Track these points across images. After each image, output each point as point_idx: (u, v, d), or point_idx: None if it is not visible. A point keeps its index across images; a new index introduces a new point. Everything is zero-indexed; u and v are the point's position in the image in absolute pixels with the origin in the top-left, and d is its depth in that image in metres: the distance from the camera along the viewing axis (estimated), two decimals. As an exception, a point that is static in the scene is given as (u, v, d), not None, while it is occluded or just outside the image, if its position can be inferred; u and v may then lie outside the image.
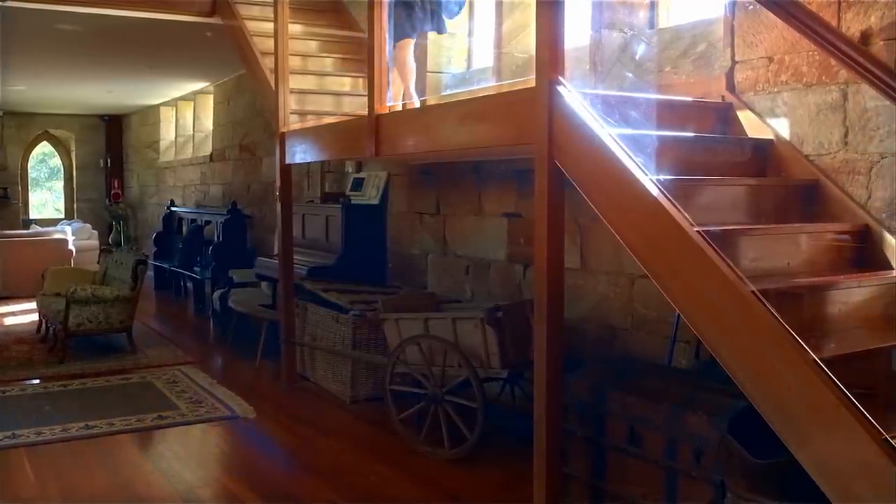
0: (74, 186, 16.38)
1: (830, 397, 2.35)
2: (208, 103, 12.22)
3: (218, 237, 9.69)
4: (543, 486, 3.39)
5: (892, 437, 2.29)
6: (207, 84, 11.69)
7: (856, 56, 2.39)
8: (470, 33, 6.28)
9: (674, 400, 3.36)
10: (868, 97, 3.38)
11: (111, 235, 15.30)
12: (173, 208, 12.01)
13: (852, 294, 3.13)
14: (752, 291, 2.57)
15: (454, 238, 6.07)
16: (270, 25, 6.05)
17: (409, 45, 5.25)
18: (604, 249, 4.63)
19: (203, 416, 5.31)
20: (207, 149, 12.03)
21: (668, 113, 3.78)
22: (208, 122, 12.25)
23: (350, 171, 7.48)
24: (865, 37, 3.41)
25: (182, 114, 13.44)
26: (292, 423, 5.29)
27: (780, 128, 3.75)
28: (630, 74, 4.51)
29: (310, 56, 7.11)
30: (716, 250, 2.68)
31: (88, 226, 13.56)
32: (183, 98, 13.00)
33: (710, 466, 3.08)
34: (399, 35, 5.13)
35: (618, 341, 4.61)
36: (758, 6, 3.59)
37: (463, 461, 4.42)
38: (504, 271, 5.55)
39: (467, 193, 5.89)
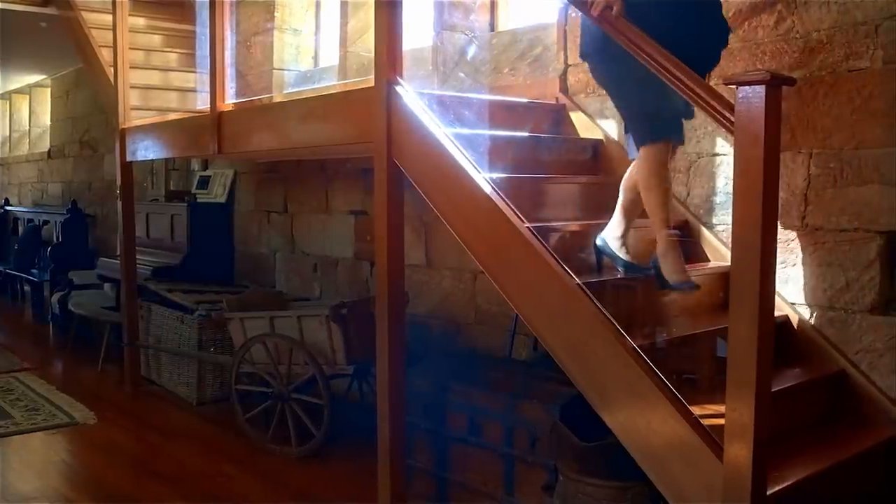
0: None
1: (647, 382, 2.51)
2: (45, 97, 11.65)
3: (57, 238, 9.28)
4: (388, 479, 3.45)
5: (703, 417, 2.49)
6: (44, 77, 11.15)
7: (667, 65, 2.55)
8: (316, 31, 6.28)
9: (511, 390, 3.50)
10: (686, 101, 3.61)
11: (-62, 237, 14.34)
12: (8, 207, 11.38)
13: (676, 285, 3.34)
14: (578, 284, 2.72)
15: (302, 236, 6.06)
16: (110, 17, 5.84)
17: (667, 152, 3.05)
18: (448, 246, 4.74)
19: (40, 424, 5.08)
20: (45, 145, 11.47)
21: (505, 113, 3.92)
22: (46, 117, 11.68)
23: (196, 168, 7.32)
24: (683, 44, 3.64)
25: (17, 107, 12.74)
26: (136, 427, 5.15)
27: (609, 129, 3.95)
28: (470, 76, 4.63)
29: (153, 50, 6.92)
30: (544, 245, 2.80)
31: (-90, 228, 12.68)
32: (17, 91, 12.33)
33: (545, 452, 3.23)
34: (648, 133, 2.97)
35: (462, 335, 4.72)
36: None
37: (311, 458, 4.43)
38: (352, 269, 5.59)
39: (314, 191, 5.89)
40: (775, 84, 2.15)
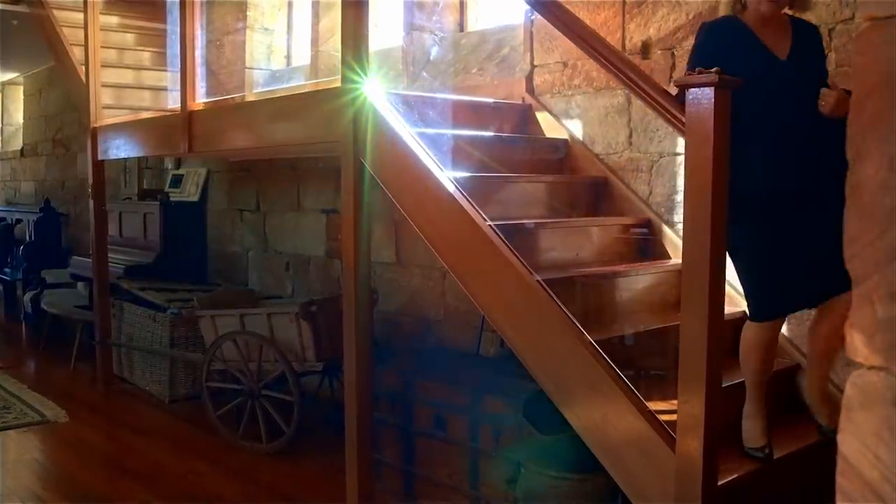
0: None
1: (605, 378, 2.57)
2: (18, 95, 11.57)
3: (30, 236, 9.24)
4: (355, 474, 3.49)
5: (666, 412, 2.55)
6: (17, 75, 11.08)
7: (624, 69, 2.61)
8: (289, 30, 6.30)
9: (477, 386, 3.55)
10: (649, 101, 3.68)
11: None
12: (-20, 206, 11.33)
13: (638, 281, 3.42)
14: (538, 280, 2.77)
15: (274, 234, 6.09)
16: (81, 15, 5.84)
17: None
18: (418, 244, 4.77)
19: (11, 422, 5.08)
20: (18, 143, 11.40)
21: (472, 113, 3.97)
22: (18, 115, 11.60)
23: (169, 167, 7.32)
24: (646, 46, 3.72)
25: (-11, 105, 12.68)
26: (108, 425, 5.16)
27: (574, 128, 4.02)
28: (439, 76, 4.68)
29: (126, 49, 6.91)
30: (505, 243, 2.86)
31: None
32: (-10, 89, 12.28)
33: (508, 445, 3.29)
34: (755, 309, 2.76)
35: (432, 332, 4.77)
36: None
37: (281, 455, 4.46)
38: (324, 267, 5.63)
39: (287, 190, 5.92)
40: (723, 86, 2.22)
